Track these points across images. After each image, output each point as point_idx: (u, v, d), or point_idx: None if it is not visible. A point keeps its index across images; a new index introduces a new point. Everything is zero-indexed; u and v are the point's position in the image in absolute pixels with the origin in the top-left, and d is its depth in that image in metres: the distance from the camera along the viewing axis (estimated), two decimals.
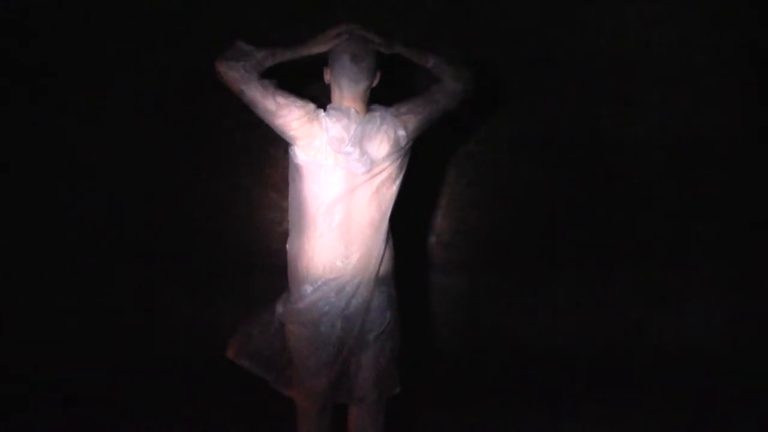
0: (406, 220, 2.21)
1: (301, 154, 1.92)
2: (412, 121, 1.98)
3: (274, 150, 3.44)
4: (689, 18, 3.51)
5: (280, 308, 2.05)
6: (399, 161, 2.00)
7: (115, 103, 3.43)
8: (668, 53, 3.52)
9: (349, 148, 1.89)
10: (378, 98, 2.04)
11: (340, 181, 1.92)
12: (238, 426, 2.87)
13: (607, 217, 3.61)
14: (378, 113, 1.96)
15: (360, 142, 1.90)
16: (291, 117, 1.87)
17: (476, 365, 3.50)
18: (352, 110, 1.94)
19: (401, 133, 1.96)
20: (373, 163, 1.93)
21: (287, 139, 1.94)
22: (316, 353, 1.97)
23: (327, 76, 2.00)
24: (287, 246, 2.03)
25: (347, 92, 1.96)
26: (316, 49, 1.95)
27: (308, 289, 1.96)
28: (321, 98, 1.99)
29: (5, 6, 3.31)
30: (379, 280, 2.01)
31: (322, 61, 1.99)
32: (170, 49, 3.41)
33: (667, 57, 3.52)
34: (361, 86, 1.96)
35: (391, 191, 2.00)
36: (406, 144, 1.99)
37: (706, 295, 3.62)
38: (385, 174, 1.97)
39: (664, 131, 3.56)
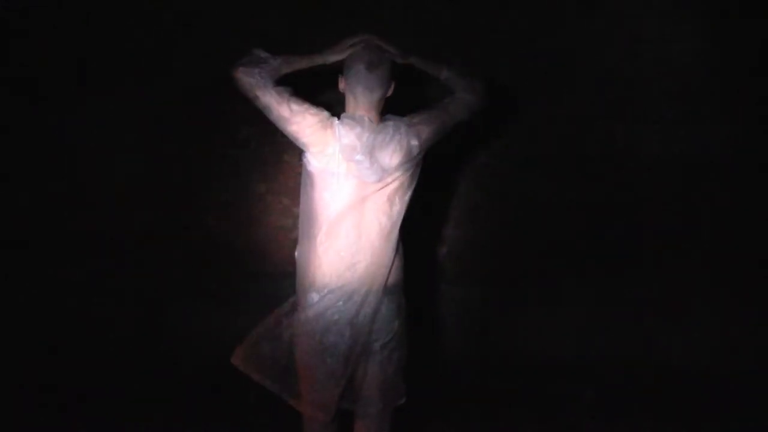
0: (418, 231, 2.21)
1: (314, 161, 1.93)
2: (425, 131, 1.98)
3: (288, 157, 3.46)
4: (706, 35, 3.49)
5: (285, 317, 2.04)
6: (411, 171, 2.00)
7: (131, 109, 3.48)
8: (683, 69, 3.51)
9: (359, 157, 1.89)
10: (392, 108, 2.05)
11: (352, 190, 1.92)
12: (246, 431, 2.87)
13: (619, 232, 3.59)
14: (391, 123, 1.97)
15: (371, 151, 1.91)
16: (304, 124, 1.89)
17: (484, 377, 3.47)
18: (366, 119, 1.94)
19: (414, 143, 1.96)
20: (384, 172, 1.93)
21: (300, 146, 1.95)
22: (325, 363, 1.96)
23: (342, 85, 2.00)
24: (296, 253, 2.03)
25: (362, 101, 1.96)
26: (332, 57, 1.98)
27: (315, 297, 1.95)
28: (336, 107, 2.01)
29: (5, 6, 3.35)
30: (387, 289, 2.00)
31: (338, 70, 2.00)
32: (186, 57, 3.45)
33: (683, 73, 3.51)
34: (376, 95, 1.96)
35: (403, 201, 2.00)
36: (419, 154, 2.00)
37: (715, 309, 3.58)
38: (396, 183, 1.97)
39: (676, 147, 3.54)
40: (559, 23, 3.48)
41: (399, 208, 1.99)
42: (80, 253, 3.52)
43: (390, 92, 2.01)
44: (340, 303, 1.94)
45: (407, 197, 2.01)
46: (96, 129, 3.49)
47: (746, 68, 3.49)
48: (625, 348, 3.56)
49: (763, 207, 3.55)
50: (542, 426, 2.99)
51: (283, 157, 3.49)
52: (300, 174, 2.02)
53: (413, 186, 2.02)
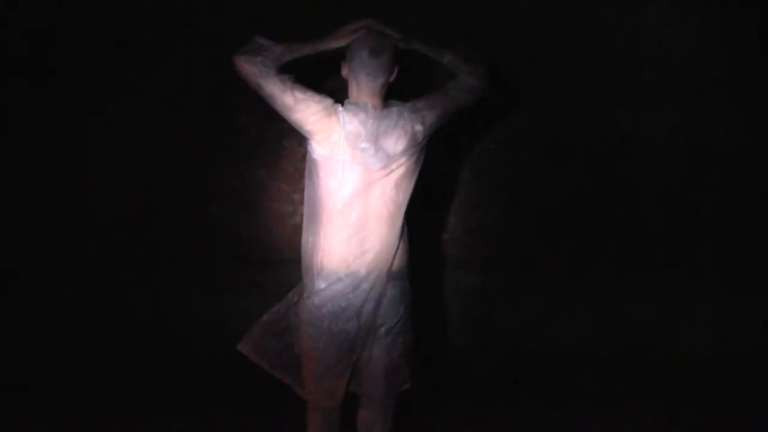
0: (420, 217, 2.20)
1: (319, 148, 1.92)
2: (430, 116, 1.98)
3: (287, 142, 3.45)
4: (710, 21, 3.48)
5: (292, 306, 2.03)
6: (416, 157, 1.99)
7: (131, 97, 3.45)
8: (688, 56, 3.49)
9: (364, 144, 1.89)
10: (395, 94, 2.04)
11: (357, 177, 1.92)
12: (248, 419, 2.88)
13: (622, 218, 3.59)
14: (395, 108, 1.96)
15: (375, 137, 1.90)
16: (308, 112, 1.88)
17: (487, 364, 3.49)
18: (369, 105, 1.93)
19: (418, 128, 1.96)
20: (389, 159, 1.93)
21: (305, 134, 1.94)
22: (332, 350, 1.96)
23: (344, 71, 2.00)
24: (302, 241, 2.02)
25: (365, 87, 1.96)
26: (335, 43, 1.96)
27: (322, 284, 1.95)
28: (338, 93, 1.99)
29: (6, 6, 3.32)
30: (392, 274, 2.01)
31: (341, 56, 1.99)
32: (187, 45, 3.42)
33: (687, 60, 3.49)
34: (379, 81, 1.95)
35: (408, 186, 2.00)
36: (423, 139, 1.99)
37: (721, 298, 3.60)
38: (402, 169, 1.97)
39: (680, 134, 3.54)
40: (565, 9, 3.45)
41: (404, 193, 1.99)
42: (80, 242, 3.51)
43: (393, 78, 1.99)
44: (349, 291, 1.94)
45: (412, 183, 2.01)
46: (95, 119, 3.46)
47: (752, 54, 3.46)
48: (629, 335, 3.57)
49: None
50: (545, 412, 3.01)
51: (283, 142, 3.47)
52: (300, 160, 2.02)
53: (417, 171, 2.02)
